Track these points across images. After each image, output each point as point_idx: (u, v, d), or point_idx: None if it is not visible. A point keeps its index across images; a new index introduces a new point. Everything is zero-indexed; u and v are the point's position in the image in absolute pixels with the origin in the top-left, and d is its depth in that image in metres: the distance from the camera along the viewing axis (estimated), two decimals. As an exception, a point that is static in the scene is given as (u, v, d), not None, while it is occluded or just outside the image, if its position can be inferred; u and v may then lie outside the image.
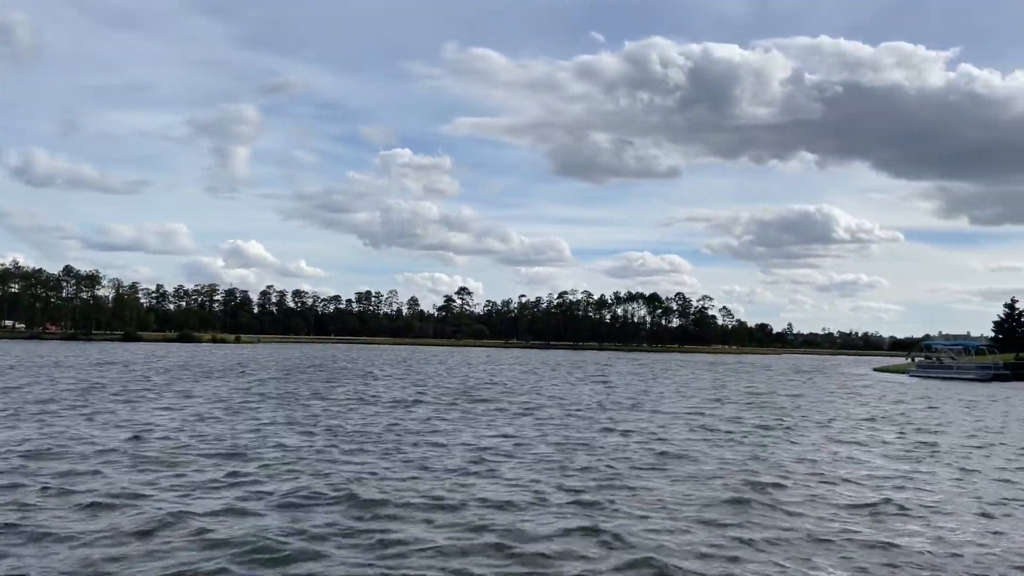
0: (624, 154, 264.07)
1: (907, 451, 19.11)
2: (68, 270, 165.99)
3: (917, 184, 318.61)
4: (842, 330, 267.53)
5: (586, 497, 12.51)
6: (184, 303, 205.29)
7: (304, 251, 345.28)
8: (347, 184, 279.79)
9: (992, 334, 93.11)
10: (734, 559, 9.48)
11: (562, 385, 43.09)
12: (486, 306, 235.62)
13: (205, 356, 75.28)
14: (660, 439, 19.87)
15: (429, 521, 10.86)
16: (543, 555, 9.45)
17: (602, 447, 18.10)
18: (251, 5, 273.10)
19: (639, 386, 43.87)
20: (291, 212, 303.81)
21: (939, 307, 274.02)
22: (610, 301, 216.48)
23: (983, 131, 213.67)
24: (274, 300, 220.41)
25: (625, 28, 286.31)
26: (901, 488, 14.09)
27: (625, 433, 20.96)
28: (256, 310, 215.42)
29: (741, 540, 10.25)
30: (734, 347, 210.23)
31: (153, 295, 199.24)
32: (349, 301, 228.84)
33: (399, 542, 9.81)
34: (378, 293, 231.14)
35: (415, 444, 17.84)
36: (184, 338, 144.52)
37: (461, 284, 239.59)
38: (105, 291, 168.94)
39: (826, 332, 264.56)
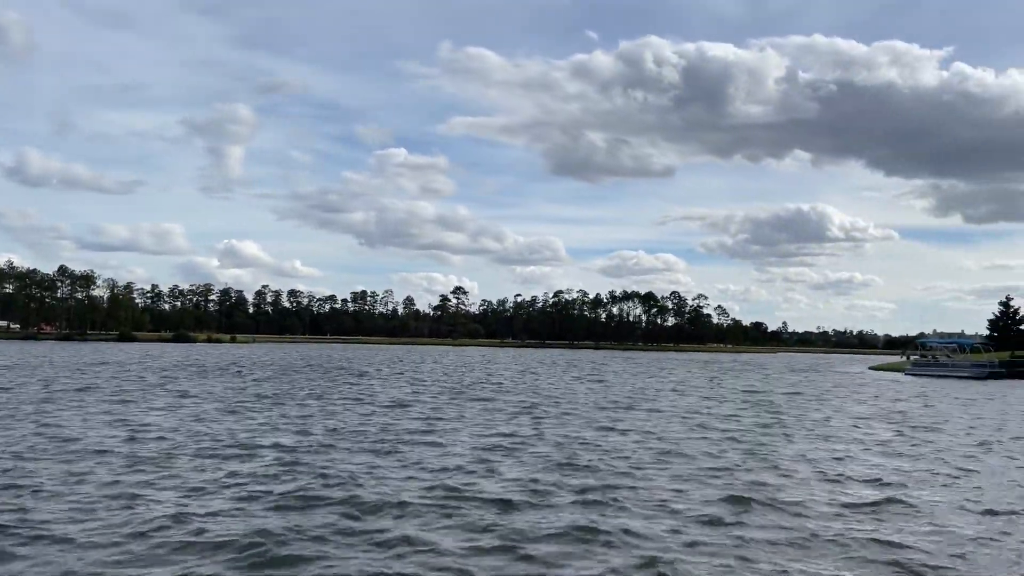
0: (619, 153, 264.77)
1: (907, 449, 19.07)
2: (63, 270, 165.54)
3: (911, 182, 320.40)
4: (837, 328, 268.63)
5: (586, 496, 12.44)
6: (179, 303, 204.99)
7: (299, 251, 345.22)
8: (342, 184, 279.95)
9: (986, 332, 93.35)
10: (736, 558, 9.42)
11: (559, 384, 43.03)
12: (482, 305, 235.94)
13: (201, 356, 75.04)
14: (659, 438, 19.81)
15: (428, 521, 10.78)
16: (543, 555, 9.38)
17: (601, 446, 18.03)
18: (246, 5, 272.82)
19: (635, 384, 43.82)
20: (286, 212, 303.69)
21: (933, 305, 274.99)
22: (605, 300, 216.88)
23: (977, 130, 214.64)
24: (269, 300, 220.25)
25: (620, 27, 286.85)
26: (902, 486, 14.04)
27: (623, 432, 20.91)
28: (251, 310, 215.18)
29: (742, 539, 10.20)
30: (729, 346, 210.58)
31: (148, 295, 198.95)
32: (345, 301, 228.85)
33: (398, 542, 9.73)
34: (374, 293, 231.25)
35: (413, 443, 17.75)
36: (179, 338, 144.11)
37: (456, 284, 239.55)
38: (100, 291, 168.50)
39: (821, 330, 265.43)
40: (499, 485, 13.19)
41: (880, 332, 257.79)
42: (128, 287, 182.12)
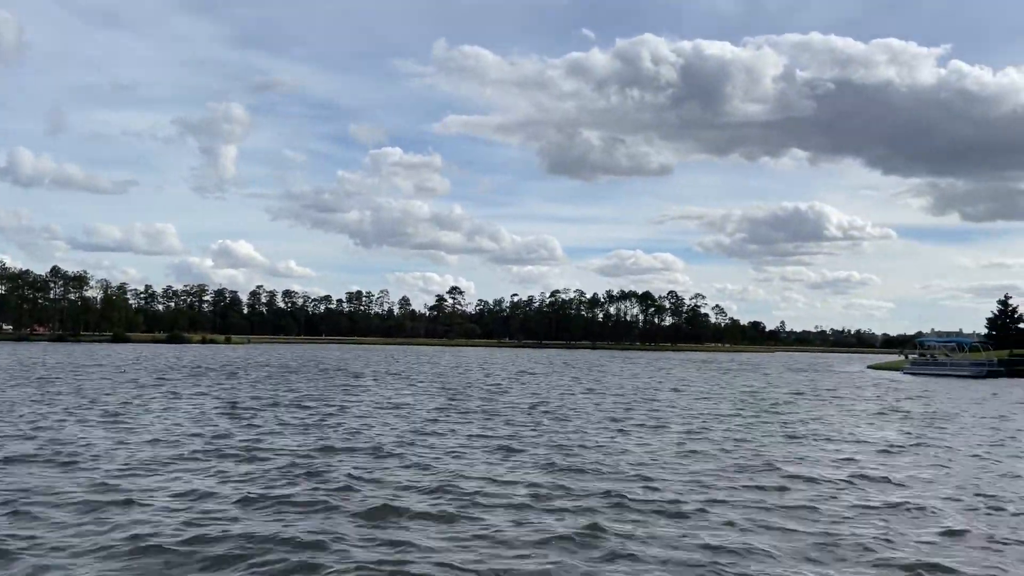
0: (615, 152, 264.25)
1: (915, 450, 18.86)
2: (56, 271, 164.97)
3: (909, 181, 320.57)
4: (834, 327, 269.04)
5: (587, 496, 12.20)
6: (173, 304, 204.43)
7: (294, 251, 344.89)
8: (337, 183, 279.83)
9: (984, 331, 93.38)
10: (740, 559, 9.20)
11: (557, 384, 42.74)
12: (478, 305, 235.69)
13: (195, 357, 74.62)
14: (659, 438, 19.51)
15: (427, 522, 10.55)
16: (543, 556, 9.14)
17: (601, 446, 17.75)
18: (239, 4, 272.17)
19: (634, 384, 43.58)
20: (280, 212, 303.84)
21: (931, 304, 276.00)
22: (603, 300, 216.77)
23: (974, 128, 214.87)
24: (264, 300, 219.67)
25: (616, 25, 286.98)
26: (909, 487, 13.82)
27: (624, 432, 20.59)
28: (246, 310, 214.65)
29: (747, 540, 9.95)
30: (727, 345, 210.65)
31: (142, 296, 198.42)
32: (340, 301, 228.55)
33: (398, 543, 9.52)
34: (369, 293, 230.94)
35: (411, 444, 17.51)
36: (173, 339, 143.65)
37: (452, 283, 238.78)
38: (93, 292, 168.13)
39: (819, 330, 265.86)
40: (498, 485, 12.95)
41: (878, 331, 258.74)
42: (121, 288, 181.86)
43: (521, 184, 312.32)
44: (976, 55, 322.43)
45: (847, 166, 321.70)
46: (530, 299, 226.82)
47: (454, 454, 16.33)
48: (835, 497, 12.77)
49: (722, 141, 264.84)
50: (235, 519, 10.60)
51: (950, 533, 10.66)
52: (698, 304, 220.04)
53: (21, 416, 21.57)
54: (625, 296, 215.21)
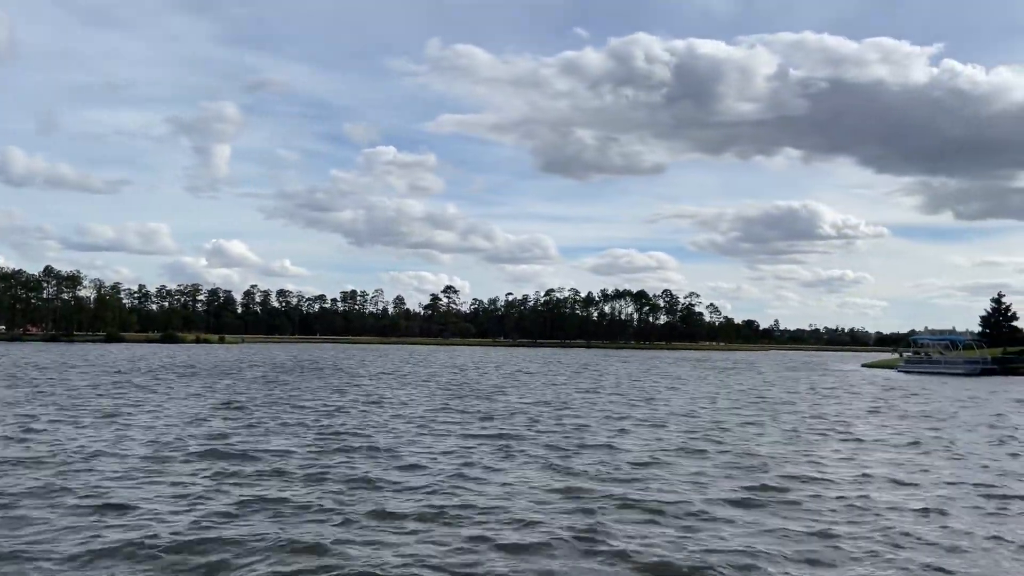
0: (609, 151, 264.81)
1: (912, 446, 18.78)
2: (48, 271, 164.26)
3: (901, 179, 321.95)
4: (828, 326, 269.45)
5: (587, 496, 12.11)
6: (167, 303, 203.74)
7: (288, 250, 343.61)
8: (330, 182, 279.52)
9: (978, 329, 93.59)
10: (742, 558, 9.11)
11: (553, 383, 42.64)
12: (472, 304, 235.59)
13: (189, 357, 74.30)
14: (658, 437, 19.47)
15: (426, 523, 10.44)
16: (544, 556, 9.05)
17: (600, 445, 17.63)
18: (232, 3, 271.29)
19: (630, 383, 43.51)
20: (274, 211, 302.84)
21: (924, 302, 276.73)
22: (597, 299, 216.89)
23: (967, 126, 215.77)
24: (258, 300, 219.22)
25: (609, 24, 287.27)
26: (908, 485, 13.75)
27: (623, 431, 20.50)
28: (240, 310, 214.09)
29: (748, 541, 9.88)
30: (721, 344, 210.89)
31: (135, 295, 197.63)
32: (334, 300, 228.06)
33: (397, 544, 9.40)
34: (363, 292, 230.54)
35: (409, 444, 17.38)
36: (167, 339, 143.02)
37: (447, 282, 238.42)
38: (86, 292, 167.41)
39: (812, 328, 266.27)
40: (497, 486, 12.86)
41: (871, 329, 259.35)
42: (115, 287, 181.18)
43: (515, 183, 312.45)
44: (968, 54, 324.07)
45: (840, 165, 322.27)
46: (524, 298, 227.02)
47: (452, 454, 16.23)
48: (835, 496, 12.69)
49: (715, 140, 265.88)
50: (230, 521, 10.48)
51: (951, 532, 10.59)
52: (692, 303, 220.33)
53: (14, 417, 21.38)
54: (620, 295, 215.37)
